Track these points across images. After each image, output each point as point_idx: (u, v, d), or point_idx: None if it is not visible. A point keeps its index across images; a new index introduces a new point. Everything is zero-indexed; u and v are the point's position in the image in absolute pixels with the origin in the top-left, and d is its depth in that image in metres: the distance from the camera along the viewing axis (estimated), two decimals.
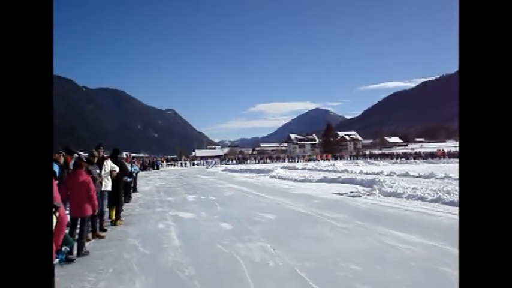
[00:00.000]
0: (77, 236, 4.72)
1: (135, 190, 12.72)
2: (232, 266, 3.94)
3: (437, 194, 8.47)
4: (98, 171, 6.01)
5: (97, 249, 4.92)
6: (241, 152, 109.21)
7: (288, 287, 3.29)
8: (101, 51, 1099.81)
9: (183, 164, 48.64)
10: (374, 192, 9.77)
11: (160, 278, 3.66)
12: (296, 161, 49.89)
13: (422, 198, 8.37)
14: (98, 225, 5.86)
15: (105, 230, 6.09)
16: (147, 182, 18.68)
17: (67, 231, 4.34)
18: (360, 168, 22.85)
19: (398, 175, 15.58)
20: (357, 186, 11.91)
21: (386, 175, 15.77)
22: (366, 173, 16.93)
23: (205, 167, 42.36)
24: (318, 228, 5.82)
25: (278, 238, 5.14)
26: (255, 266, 3.90)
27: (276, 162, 48.33)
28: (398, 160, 42.65)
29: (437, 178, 13.30)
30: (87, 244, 4.96)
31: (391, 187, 10.07)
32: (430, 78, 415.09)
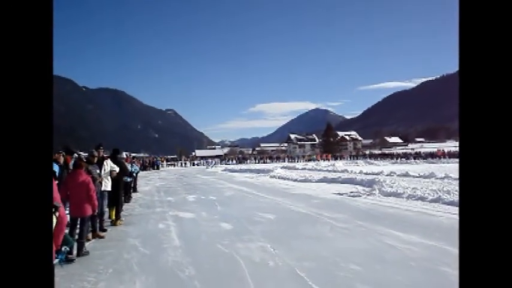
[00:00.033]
0: (76, 236, 4.72)
1: (135, 190, 12.72)
2: (232, 266, 3.94)
3: (437, 194, 8.47)
4: (98, 171, 6.01)
5: (97, 249, 4.92)
6: (241, 152, 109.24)
7: (288, 287, 3.29)
8: (101, 51, 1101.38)
9: (183, 164, 48.69)
10: (374, 192, 9.77)
11: (161, 278, 3.66)
12: (296, 161, 49.91)
13: (422, 198, 8.37)
14: (98, 225, 5.86)
15: (105, 230, 6.09)
16: (147, 182, 18.68)
17: (67, 231, 4.34)
18: (360, 168, 22.86)
19: (398, 175, 15.58)
20: (357, 186, 11.91)
21: (386, 175, 15.77)
22: (366, 173, 16.94)
23: (205, 167, 42.36)
24: (318, 228, 5.82)
25: (278, 238, 5.14)
26: (255, 266, 3.90)
27: (276, 162, 48.35)
28: (398, 160, 42.65)
29: (437, 178, 13.29)
30: (87, 244, 4.96)
31: (391, 187, 10.07)
32: (430, 78, 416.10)
